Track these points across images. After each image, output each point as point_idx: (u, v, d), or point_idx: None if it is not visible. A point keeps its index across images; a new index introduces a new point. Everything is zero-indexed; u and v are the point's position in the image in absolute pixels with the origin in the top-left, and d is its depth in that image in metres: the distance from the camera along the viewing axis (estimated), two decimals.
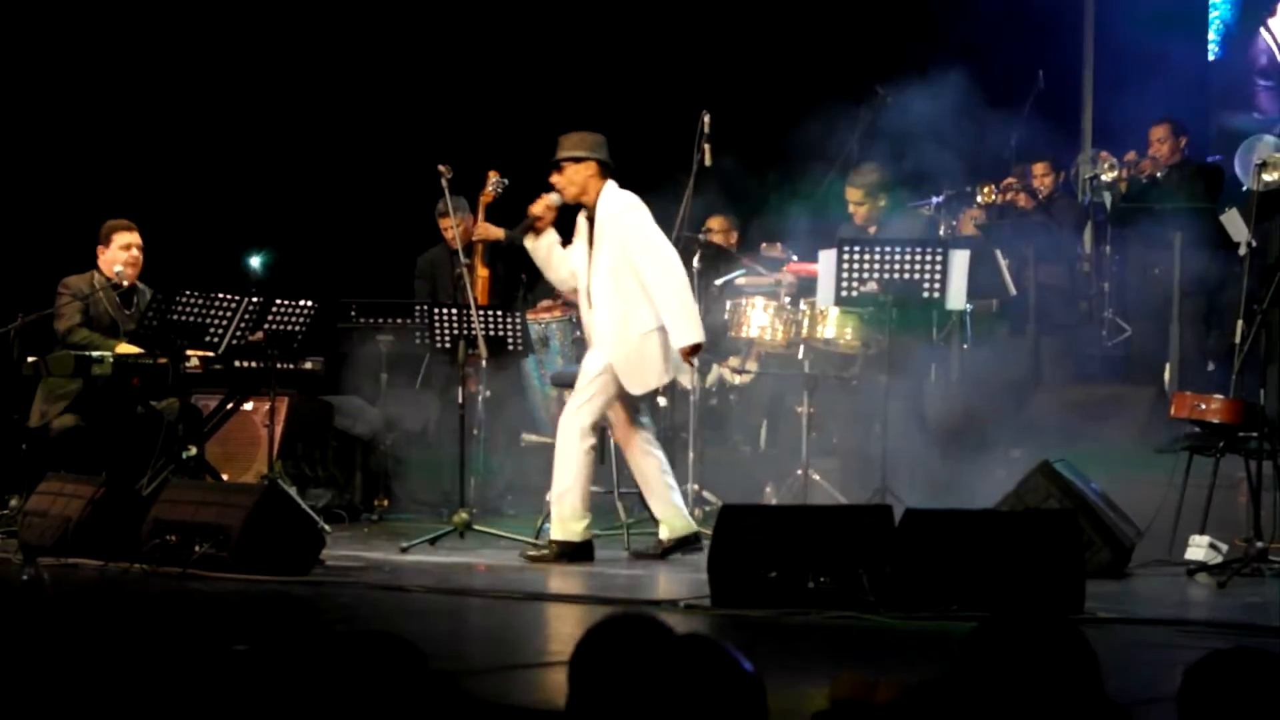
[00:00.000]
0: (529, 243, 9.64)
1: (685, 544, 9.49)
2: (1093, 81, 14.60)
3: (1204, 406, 9.28)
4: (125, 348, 10.36)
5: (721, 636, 2.97)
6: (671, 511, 9.57)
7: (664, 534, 9.58)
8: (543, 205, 9.54)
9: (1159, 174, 12.20)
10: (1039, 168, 12.71)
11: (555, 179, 9.54)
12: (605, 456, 10.38)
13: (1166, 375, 11.81)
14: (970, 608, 7.02)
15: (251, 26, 14.09)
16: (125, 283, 10.70)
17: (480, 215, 11.77)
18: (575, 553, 9.40)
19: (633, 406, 9.62)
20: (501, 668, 6.13)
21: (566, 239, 9.69)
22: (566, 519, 9.44)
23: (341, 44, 14.30)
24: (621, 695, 2.27)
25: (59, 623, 2.34)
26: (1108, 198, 12.39)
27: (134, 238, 10.73)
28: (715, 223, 12.39)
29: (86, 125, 13.48)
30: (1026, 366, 12.04)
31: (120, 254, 10.70)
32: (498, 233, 11.75)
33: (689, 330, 9.37)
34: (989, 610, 6.51)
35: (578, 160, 9.49)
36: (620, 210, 9.45)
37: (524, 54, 14.50)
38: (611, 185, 9.53)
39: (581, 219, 9.60)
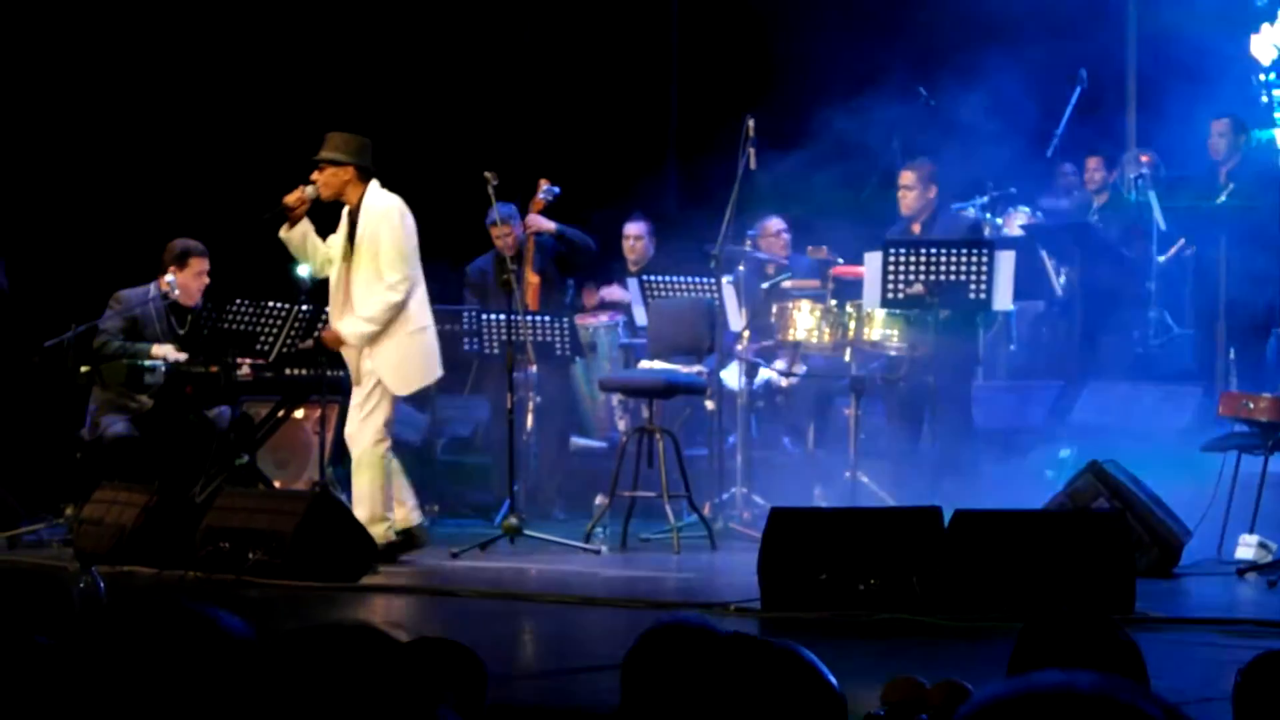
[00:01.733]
0: (283, 233, 9.78)
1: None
2: (1136, 80, 14.56)
3: (1252, 405, 9.26)
4: (160, 350, 10.45)
5: (777, 638, 3.00)
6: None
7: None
8: (296, 197, 9.69)
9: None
10: (1092, 162, 12.70)
11: (315, 176, 9.72)
12: (654, 460, 10.41)
13: (1215, 374, 11.77)
14: (1020, 609, 7.02)
15: (300, 37, 14.16)
16: (191, 303, 10.81)
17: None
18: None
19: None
20: (555, 672, 6.17)
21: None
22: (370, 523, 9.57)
23: (386, 51, 14.36)
24: (676, 701, 2.31)
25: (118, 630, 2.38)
26: (1152, 197, 12.36)
27: (206, 264, 10.89)
28: (771, 224, 12.43)
29: (141, 137, 13.58)
30: (1074, 366, 12.03)
31: (194, 281, 10.83)
32: (548, 225, 11.83)
33: (355, 331, 9.56)
34: (1038, 611, 6.53)
35: (337, 164, 9.66)
36: (381, 212, 9.60)
37: (572, 60, 14.55)
38: (374, 187, 9.70)
39: (345, 215, 9.78)
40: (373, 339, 9.61)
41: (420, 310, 9.72)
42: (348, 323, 9.64)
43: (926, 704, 3.58)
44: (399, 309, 9.59)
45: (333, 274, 9.77)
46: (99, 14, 13.66)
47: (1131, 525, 8.05)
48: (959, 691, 3.55)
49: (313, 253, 9.82)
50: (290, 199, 9.68)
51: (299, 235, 9.77)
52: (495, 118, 14.04)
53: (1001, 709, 1.57)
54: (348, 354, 9.76)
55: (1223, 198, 12.05)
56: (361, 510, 9.51)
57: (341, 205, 9.76)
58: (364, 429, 9.63)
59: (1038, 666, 3.07)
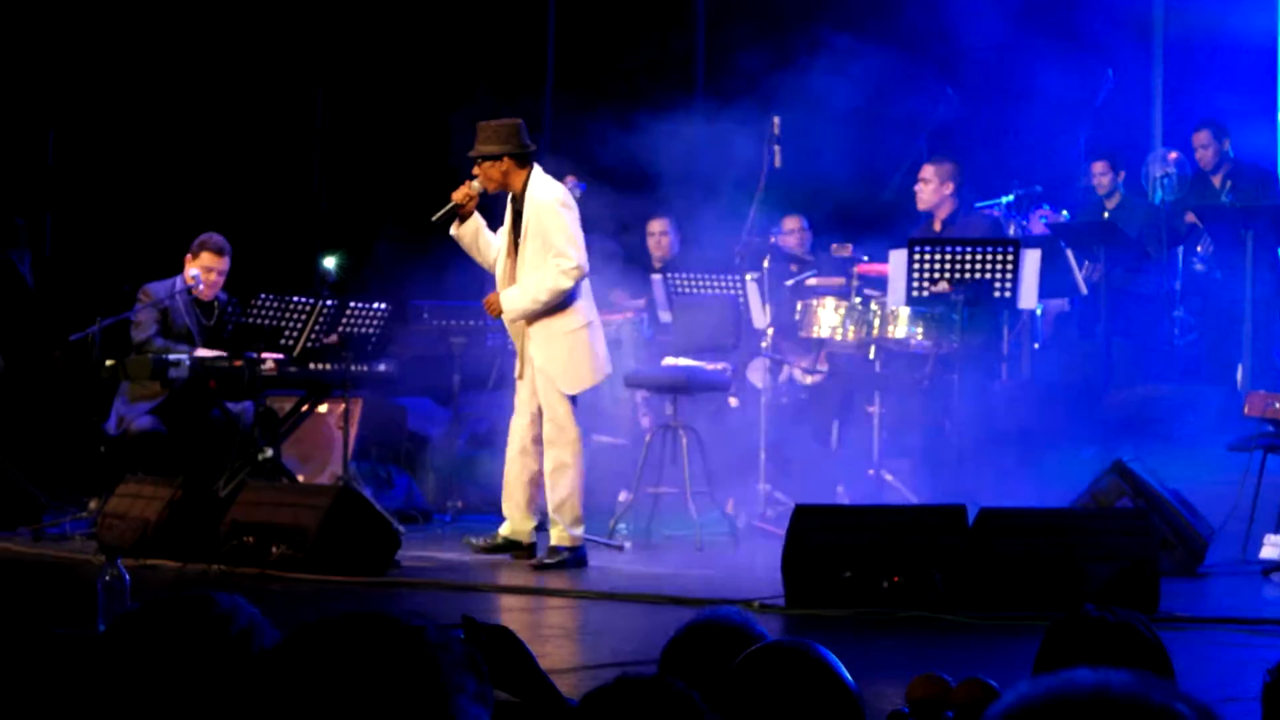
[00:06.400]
0: (454, 230, 9.61)
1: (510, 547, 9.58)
2: (1163, 79, 14.52)
3: (1277, 405, 9.24)
4: (201, 353, 10.46)
5: (793, 636, 3.00)
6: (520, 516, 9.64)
7: (504, 530, 9.64)
8: (464, 193, 9.51)
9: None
10: (1098, 166, 12.68)
11: (476, 172, 9.55)
12: (677, 457, 10.41)
13: (1239, 374, 11.74)
14: (1045, 608, 7.02)
15: (317, 34, 14.19)
16: (199, 296, 10.79)
17: None
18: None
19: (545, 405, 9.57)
20: (581, 667, 6.17)
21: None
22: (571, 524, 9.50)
23: (402, 43, 14.38)
24: (711, 698, 2.31)
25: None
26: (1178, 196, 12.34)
27: (219, 263, 10.75)
28: (790, 223, 12.43)
29: (168, 130, 13.62)
30: (1098, 365, 12.00)
31: (197, 271, 10.76)
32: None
33: (516, 305, 9.40)
34: (1063, 610, 6.52)
35: (489, 158, 9.49)
36: (544, 204, 9.43)
37: (597, 52, 14.56)
38: (538, 174, 9.53)
39: (509, 204, 9.62)
40: (542, 334, 9.47)
41: (587, 305, 9.58)
42: (509, 294, 9.44)
43: (951, 702, 3.58)
44: (566, 296, 9.42)
45: (499, 267, 9.63)
46: (124, 7, 13.70)
47: (1156, 524, 8.04)
48: (984, 690, 3.54)
49: (485, 249, 9.64)
50: (458, 195, 9.49)
51: (470, 232, 9.60)
52: (521, 110, 14.04)
53: (1033, 708, 1.56)
54: (516, 342, 9.66)
55: (1223, 198, 12.08)
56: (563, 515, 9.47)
57: (507, 196, 9.60)
58: (548, 427, 9.51)
59: (1064, 665, 3.06)
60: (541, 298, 9.35)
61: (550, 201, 9.41)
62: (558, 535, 9.42)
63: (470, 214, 9.55)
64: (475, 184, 9.50)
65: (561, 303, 9.41)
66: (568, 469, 9.44)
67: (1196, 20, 13.29)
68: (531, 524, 9.62)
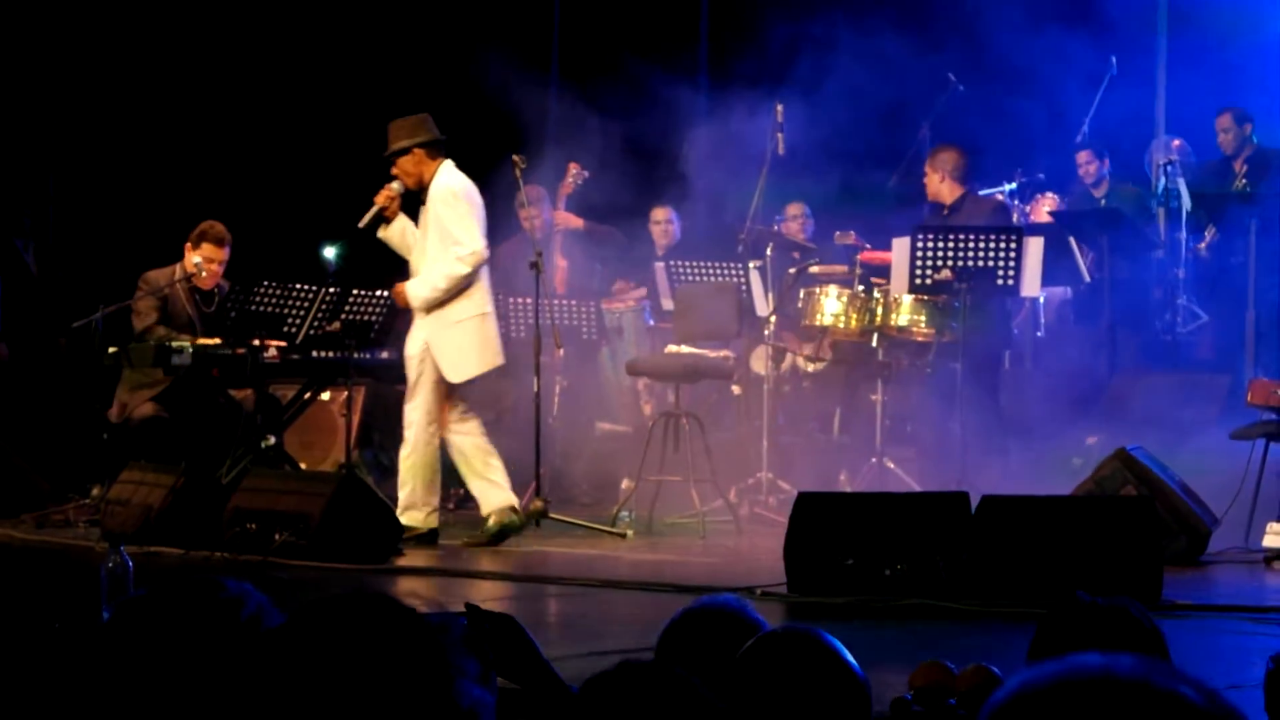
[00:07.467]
0: (382, 233, 9.79)
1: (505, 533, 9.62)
2: (1166, 67, 14.50)
3: None
4: (202, 342, 10.46)
5: (801, 623, 3.00)
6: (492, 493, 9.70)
7: (486, 509, 9.67)
8: (385, 195, 9.69)
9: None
10: (1082, 156, 12.68)
11: (394, 172, 9.72)
12: (679, 445, 10.41)
13: (1243, 361, 11.73)
14: (1047, 595, 7.01)
15: (327, 27, 14.18)
16: (200, 285, 10.79)
17: (560, 206, 11.88)
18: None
19: (450, 391, 9.74)
20: (580, 655, 6.17)
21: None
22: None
23: (409, 36, 14.37)
24: (713, 685, 2.31)
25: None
26: (1181, 184, 12.32)
27: (219, 254, 10.76)
28: (792, 209, 12.42)
29: (169, 118, 13.61)
30: (1102, 353, 11.99)
31: (201, 262, 10.76)
32: (577, 222, 11.84)
33: (418, 294, 9.57)
34: (1059, 597, 6.51)
35: (401, 153, 9.64)
36: (442, 194, 9.59)
37: (601, 41, 14.54)
38: (447, 166, 9.69)
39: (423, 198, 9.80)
40: (433, 321, 9.60)
41: (482, 295, 9.70)
42: (411, 284, 9.65)
43: (955, 689, 3.58)
44: (464, 282, 9.56)
45: (413, 259, 9.79)
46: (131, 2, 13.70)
47: (1159, 512, 8.02)
48: (987, 677, 3.55)
49: (414, 246, 9.80)
50: (380, 198, 9.69)
51: (397, 232, 9.78)
52: (522, 101, 14.03)
53: (1039, 693, 1.55)
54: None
55: (1239, 182, 12.05)
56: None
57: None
58: (410, 412, 9.69)
59: (1058, 653, 3.06)
60: (441, 284, 9.55)
61: (446, 191, 9.59)
62: (409, 518, 9.56)
63: (395, 215, 9.75)
64: (395, 185, 9.71)
65: (457, 291, 9.56)
66: (420, 449, 9.64)
67: (1201, 8, 13.27)
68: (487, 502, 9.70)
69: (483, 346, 9.68)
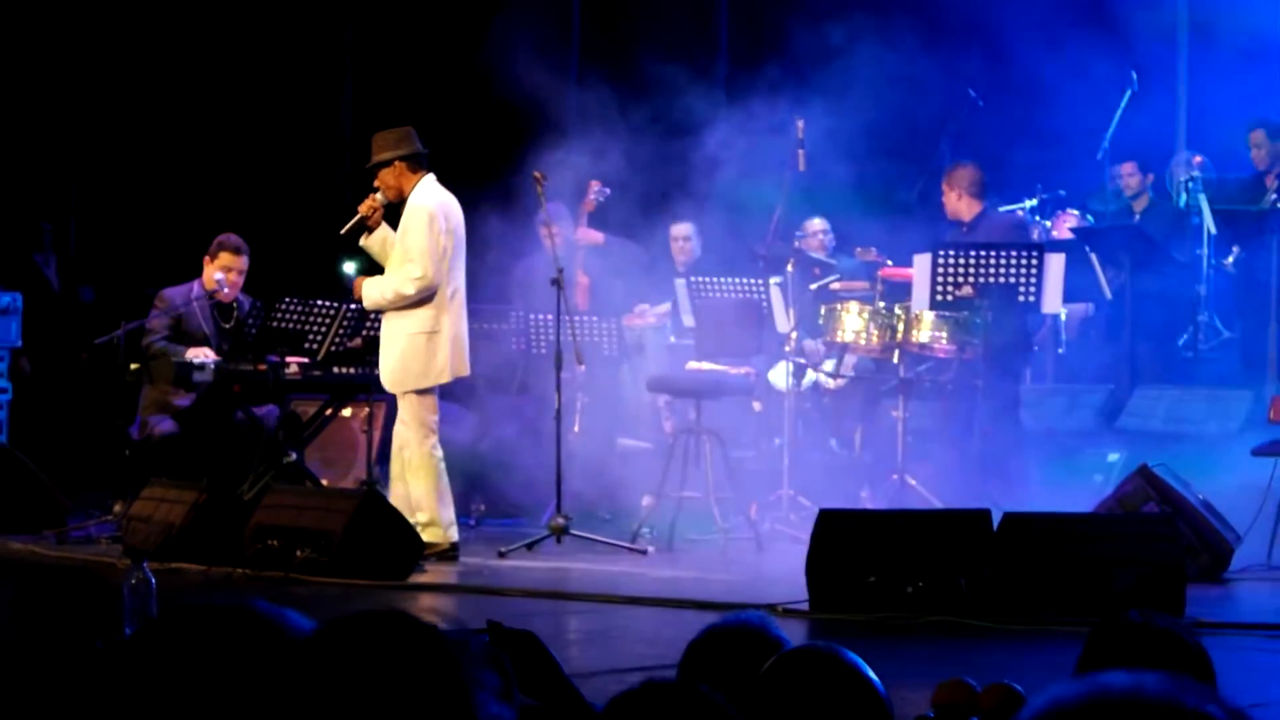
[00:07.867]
0: (363, 242, 9.87)
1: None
2: (1188, 82, 14.47)
3: None
4: (195, 351, 10.48)
5: (823, 640, 2.99)
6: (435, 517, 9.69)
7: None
8: (368, 205, 9.76)
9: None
10: (1126, 168, 12.64)
11: (377, 184, 9.80)
12: (700, 461, 10.40)
13: (1265, 378, 11.69)
14: (1069, 612, 7.00)
15: (341, 31, 14.21)
16: (221, 300, 10.81)
17: (581, 223, 11.90)
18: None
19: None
20: (601, 672, 6.16)
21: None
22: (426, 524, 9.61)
23: (425, 51, 14.40)
24: (736, 703, 2.30)
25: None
26: (1203, 200, 12.29)
27: (237, 262, 10.81)
28: (812, 225, 12.42)
29: (190, 134, 13.65)
30: (1123, 370, 11.97)
31: (220, 274, 10.79)
32: (598, 238, 11.84)
33: (369, 293, 9.67)
34: (1089, 615, 6.49)
35: (383, 165, 9.72)
36: (415, 209, 9.65)
37: (621, 56, 14.56)
38: (428, 180, 9.76)
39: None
40: (387, 329, 9.69)
41: (436, 314, 9.69)
42: (369, 281, 9.75)
43: (977, 707, 3.56)
44: (410, 301, 9.61)
45: (388, 267, 9.85)
46: (152, 16, 13.73)
47: (1181, 530, 8.01)
48: (1010, 695, 3.53)
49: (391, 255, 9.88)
50: (363, 208, 9.77)
51: (378, 242, 9.84)
52: (545, 117, 14.06)
53: (1067, 711, 1.55)
54: None
55: (1269, 198, 12.00)
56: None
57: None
58: (401, 432, 9.74)
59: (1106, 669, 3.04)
60: (388, 296, 9.66)
61: (419, 210, 9.65)
62: (430, 534, 9.57)
63: (378, 224, 9.82)
64: (378, 195, 9.78)
65: (412, 305, 9.63)
66: (418, 469, 9.64)
67: (1222, 21, 13.24)
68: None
69: (426, 363, 9.68)
